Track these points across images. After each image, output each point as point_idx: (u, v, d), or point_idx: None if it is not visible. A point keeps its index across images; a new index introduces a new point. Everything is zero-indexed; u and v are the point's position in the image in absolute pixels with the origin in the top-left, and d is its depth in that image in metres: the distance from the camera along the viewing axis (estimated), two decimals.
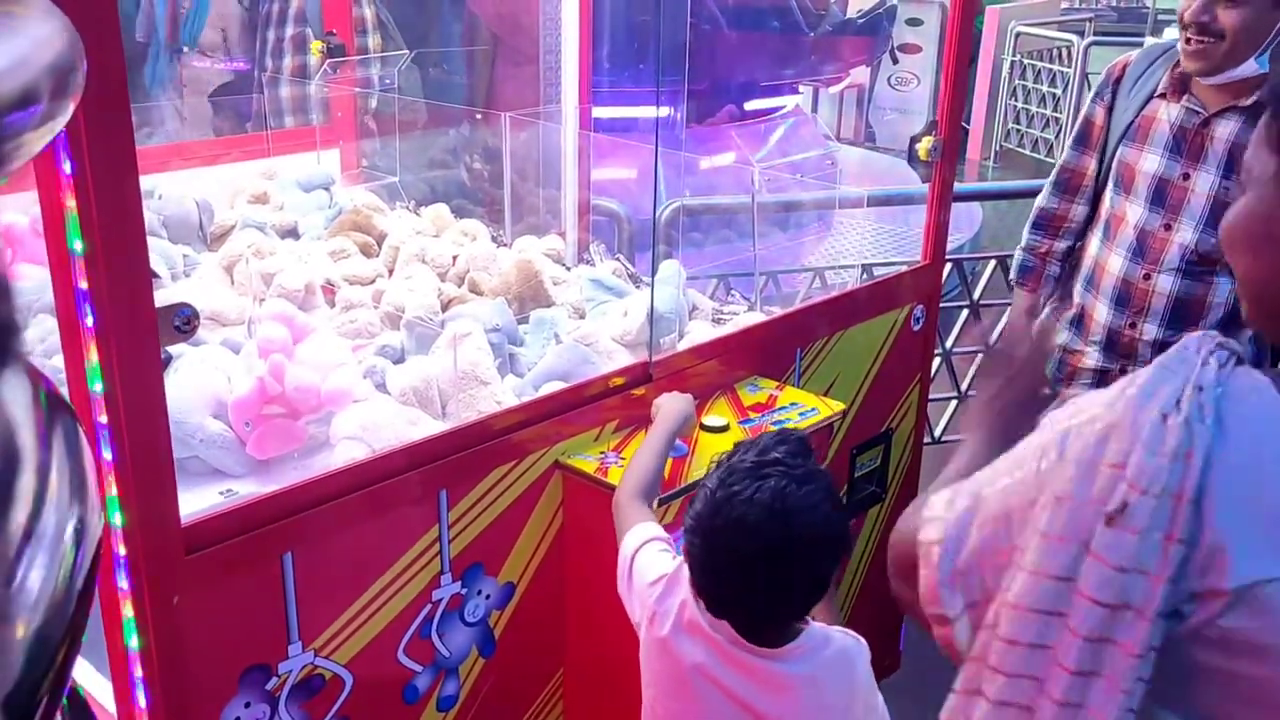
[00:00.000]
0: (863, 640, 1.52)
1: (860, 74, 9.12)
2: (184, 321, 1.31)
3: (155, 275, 2.46)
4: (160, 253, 2.67)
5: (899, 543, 1.06)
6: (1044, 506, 0.91)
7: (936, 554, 0.99)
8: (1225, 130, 2.19)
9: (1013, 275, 2.59)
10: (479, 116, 3.92)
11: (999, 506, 0.95)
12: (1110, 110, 2.38)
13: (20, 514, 0.74)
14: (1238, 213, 0.95)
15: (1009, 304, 2.71)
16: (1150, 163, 2.27)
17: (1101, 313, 2.34)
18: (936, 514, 1.01)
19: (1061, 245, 2.47)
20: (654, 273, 2.42)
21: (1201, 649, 0.85)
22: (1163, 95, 2.27)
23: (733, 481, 1.37)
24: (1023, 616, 0.91)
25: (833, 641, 1.47)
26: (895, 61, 9.54)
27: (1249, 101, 2.14)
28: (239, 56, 4.58)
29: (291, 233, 3.03)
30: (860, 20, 6.56)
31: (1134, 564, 0.85)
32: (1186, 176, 2.23)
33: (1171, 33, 2.34)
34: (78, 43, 0.77)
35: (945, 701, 0.99)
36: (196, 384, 1.97)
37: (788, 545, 1.35)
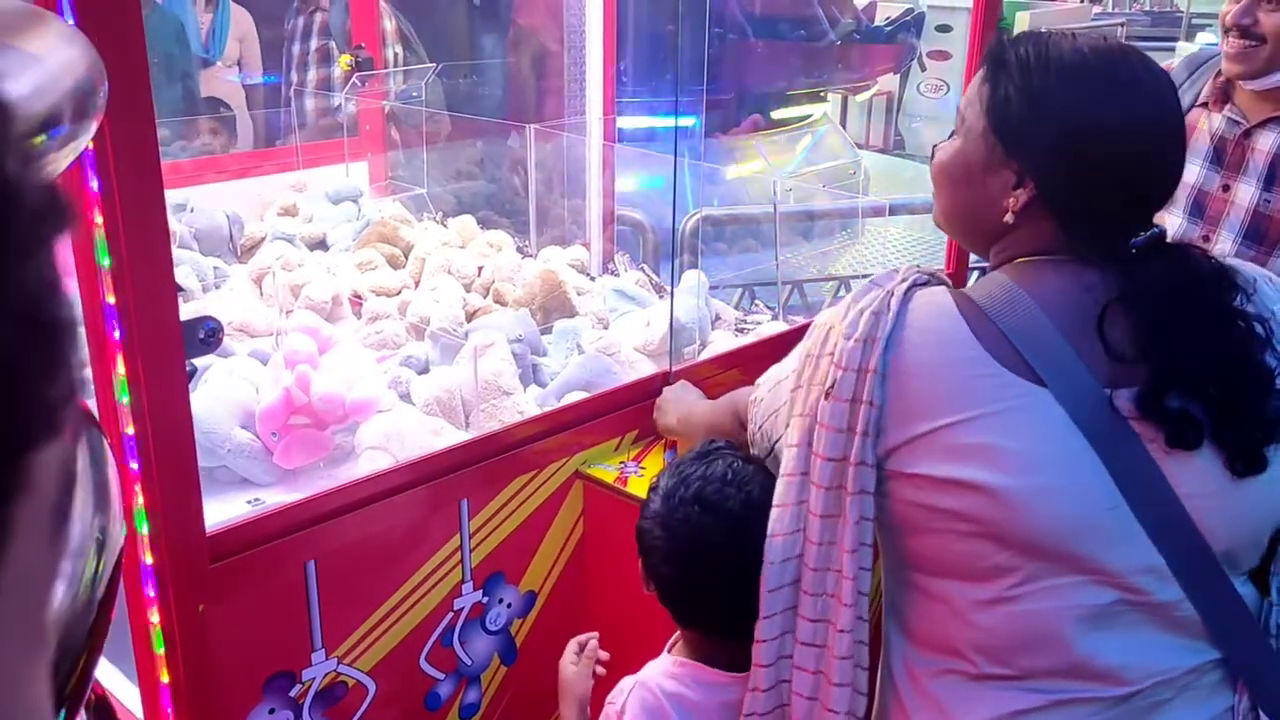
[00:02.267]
0: None
1: (889, 82, 9.08)
2: (209, 334, 1.33)
3: (180, 289, 2.51)
4: (191, 265, 2.71)
5: (740, 400, 1.52)
6: (793, 390, 1.23)
7: (753, 410, 1.39)
8: (1267, 142, 2.15)
9: None
10: (516, 129, 3.95)
11: (777, 376, 1.33)
12: None
13: None
14: (949, 153, 1.23)
15: None
16: (1189, 173, 2.24)
17: None
18: (761, 381, 1.40)
19: None
20: (674, 283, 2.43)
21: (908, 491, 1.13)
22: (1204, 104, 2.24)
23: (683, 469, 1.42)
24: (787, 480, 1.22)
25: None
26: (923, 69, 9.50)
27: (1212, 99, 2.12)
28: (263, 70, 4.68)
29: (320, 245, 3.07)
30: (887, 28, 6.55)
31: (842, 424, 1.14)
32: (1226, 188, 2.20)
33: (1205, 37, 2.32)
34: (99, 65, 0.80)
35: None
36: (225, 394, 2.00)
37: (748, 512, 1.35)
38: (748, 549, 1.29)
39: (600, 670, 1.59)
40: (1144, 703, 1.13)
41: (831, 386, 1.15)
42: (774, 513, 1.24)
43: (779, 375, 1.34)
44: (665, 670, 1.43)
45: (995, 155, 1.17)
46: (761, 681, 1.26)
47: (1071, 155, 1.13)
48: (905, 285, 1.16)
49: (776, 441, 1.31)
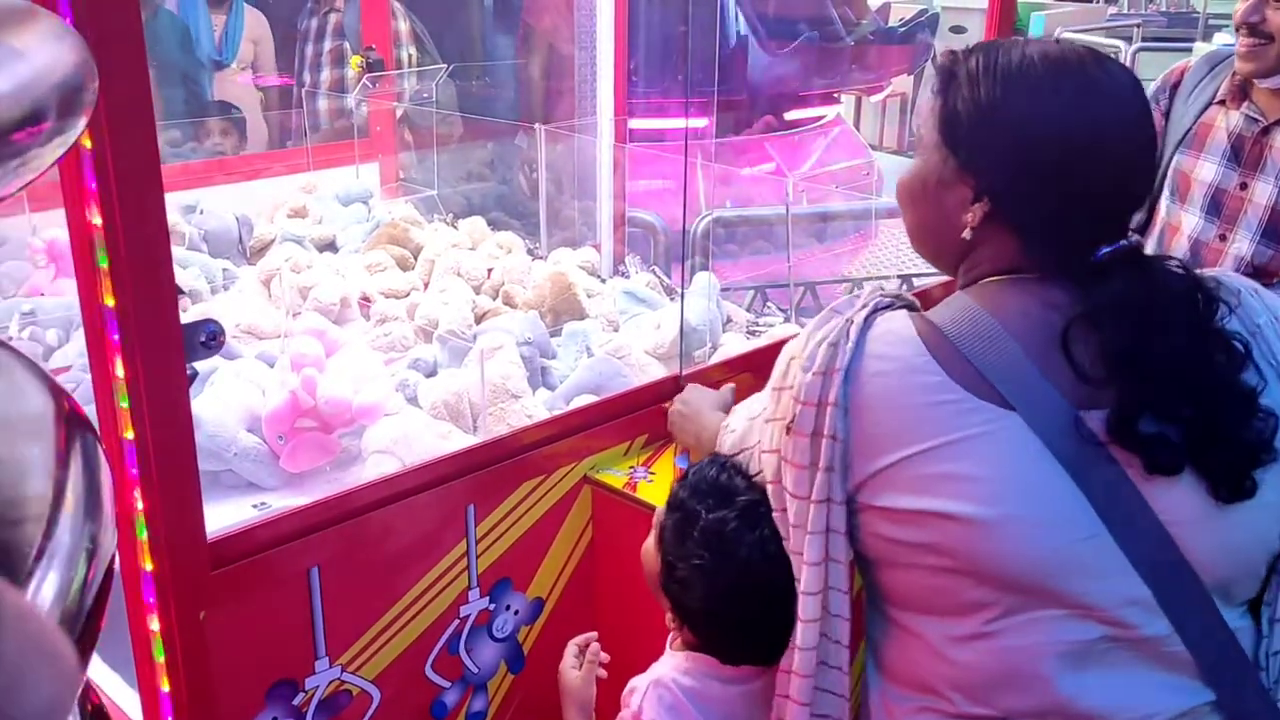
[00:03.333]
0: None
1: (903, 83, 9.04)
2: (209, 337, 1.31)
3: (189, 291, 2.49)
4: (200, 267, 2.70)
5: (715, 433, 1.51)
6: (765, 423, 1.21)
7: (724, 436, 1.41)
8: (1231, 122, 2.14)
9: None
10: (521, 129, 3.94)
11: (751, 409, 1.33)
12: (1167, 116, 2.32)
13: (34, 529, 0.74)
14: (909, 172, 1.19)
15: None
16: (1206, 171, 2.21)
17: None
18: (738, 409, 1.40)
19: None
20: (684, 285, 2.41)
21: (879, 524, 1.09)
22: (1221, 102, 2.21)
23: (726, 545, 1.31)
24: (776, 516, 1.19)
25: None
26: None
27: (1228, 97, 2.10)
28: (277, 72, 4.67)
29: (330, 246, 3.06)
30: (901, 29, 6.51)
31: (806, 460, 1.10)
32: (1244, 186, 2.17)
33: (1222, 38, 2.29)
34: (89, 62, 0.78)
35: None
36: (231, 397, 1.98)
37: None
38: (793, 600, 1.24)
39: (602, 673, 1.57)
40: None
41: (792, 421, 1.11)
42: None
43: (753, 410, 1.31)
44: (679, 667, 1.41)
45: (949, 170, 1.13)
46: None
47: (1024, 165, 1.09)
48: (865, 312, 1.11)
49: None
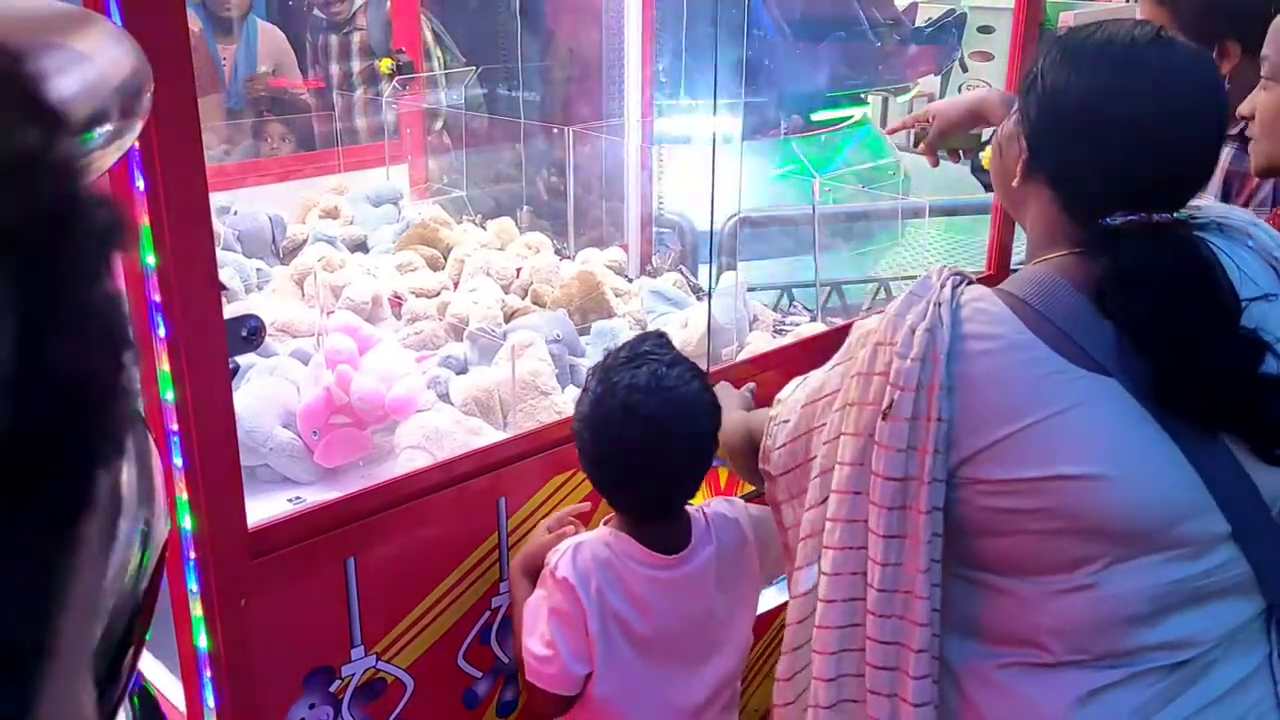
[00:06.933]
0: (734, 500, 1.75)
1: (930, 83, 9.00)
2: (251, 332, 1.35)
3: (224, 288, 2.54)
4: (235, 266, 2.75)
5: (756, 422, 1.47)
6: (840, 409, 1.22)
7: (771, 427, 1.37)
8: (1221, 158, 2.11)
9: None
10: (553, 130, 3.96)
11: (811, 393, 1.31)
12: None
13: None
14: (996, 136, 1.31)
15: None
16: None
17: None
18: (782, 398, 1.39)
19: None
20: (712, 284, 2.43)
21: (984, 497, 1.12)
22: None
23: (611, 376, 1.50)
24: (839, 497, 1.20)
25: (709, 516, 1.64)
26: (965, 70, 9.40)
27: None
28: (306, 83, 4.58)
29: (361, 246, 3.10)
30: (928, 29, 6.51)
31: (903, 443, 1.12)
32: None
33: None
34: (146, 66, 0.81)
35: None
36: (267, 394, 2.02)
37: (669, 421, 1.48)
38: (669, 448, 1.48)
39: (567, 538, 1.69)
40: (1199, 664, 1.15)
41: (889, 407, 1.14)
42: (827, 525, 1.22)
43: (808, 396, 1.32)
44: (603, 539, 1.56)
45: (1015, 125, 1.24)
46: (823, 698, 1.24)
47: (1046, 115, 1.18)
48: (948, 291, 1.15)
49: (809, 460, 1.31)
